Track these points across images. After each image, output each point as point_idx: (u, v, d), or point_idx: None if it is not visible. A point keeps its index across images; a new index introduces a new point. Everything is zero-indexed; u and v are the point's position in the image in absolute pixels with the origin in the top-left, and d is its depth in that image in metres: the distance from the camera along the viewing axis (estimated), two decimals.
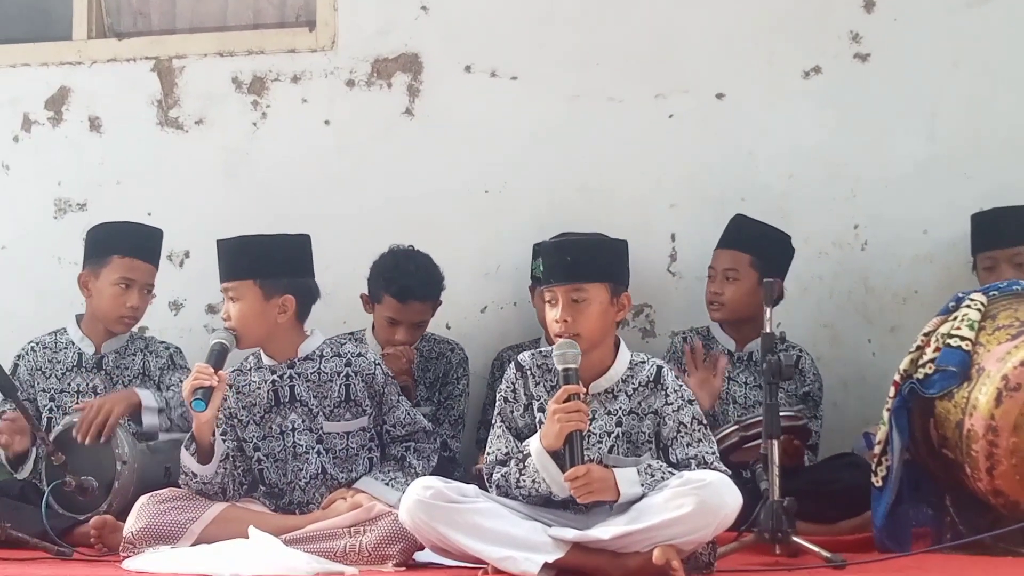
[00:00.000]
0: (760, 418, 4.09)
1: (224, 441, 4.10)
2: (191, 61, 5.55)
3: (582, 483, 3.53)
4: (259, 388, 4.19)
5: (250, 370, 4.22)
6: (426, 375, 5.01)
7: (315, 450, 4.15)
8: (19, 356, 4.89)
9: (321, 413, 4.16)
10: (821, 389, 4.86)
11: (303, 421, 4.16)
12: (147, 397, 4.62)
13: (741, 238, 4.88)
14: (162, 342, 4.99)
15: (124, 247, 4.78)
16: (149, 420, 4.60)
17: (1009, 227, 4.79)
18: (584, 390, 3.63)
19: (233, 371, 4.21)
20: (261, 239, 4.26)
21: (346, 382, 4.20)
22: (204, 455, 4.02)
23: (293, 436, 4.15)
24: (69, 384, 4.83)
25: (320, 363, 4.20)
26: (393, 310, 4.83)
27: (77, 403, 4.67)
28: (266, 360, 4.21)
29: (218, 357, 4.04)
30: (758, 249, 4.84)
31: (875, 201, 5.10)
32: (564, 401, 3.56)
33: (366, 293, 4.96)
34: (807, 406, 4.75)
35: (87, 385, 4.78)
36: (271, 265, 4.19)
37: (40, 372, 4.85)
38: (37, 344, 4.91)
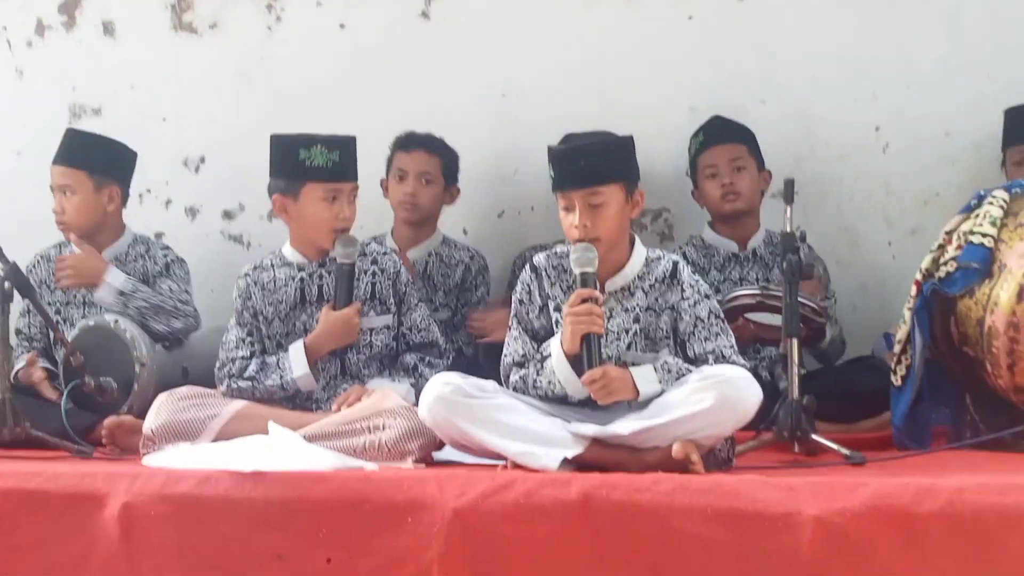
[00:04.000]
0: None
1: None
2: None
3: (601, 384, 3.52)
4: (285, 285, 4.19)
5: (272, 267, 4.23)
6: (445, 281, 5.02)
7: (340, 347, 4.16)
8: (28, 269, 4.87)
9: None
10: (826, 271, 4.85)
11: None
12: (115, 277, 4.67)
13: (731, 132, 4.90)
14: (164, 248, 4.94)
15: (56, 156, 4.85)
16: (101, 295, 4.66)
17: None
18: (598, 294, 3.61)
19: (255, 268, 4.22)
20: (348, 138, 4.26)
21: (372, 280, 4.22)
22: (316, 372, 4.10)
23: None
24: (74, 296, 4.84)
25: None
26: (400, 161, 4.98)
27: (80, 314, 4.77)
28: (294, 257, 4.21)
29: (352, 278, 4.12)
30: (749, 139, 4.89)
31: (897, 103, 5.04)
32: (579, 305, 3.56)
33: (384, 177, 5.04)
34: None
35: (91, 296, 4.76)
36: None
37: (46, 285, 4.86)
38: (42, 257, 4.93)
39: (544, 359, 3.67)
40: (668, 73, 5.19)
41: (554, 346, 3.64)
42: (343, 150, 4.14)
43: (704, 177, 4.90)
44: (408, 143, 5.00)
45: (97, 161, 4.79)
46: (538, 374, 3.67)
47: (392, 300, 4.23)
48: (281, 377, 4.08)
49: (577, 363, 3.58)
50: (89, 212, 4.79)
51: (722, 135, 4.89)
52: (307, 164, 4.11)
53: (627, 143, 3.81)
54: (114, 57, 5.54)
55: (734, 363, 3.60)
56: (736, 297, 4.42)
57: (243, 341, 4.17)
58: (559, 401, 3.68)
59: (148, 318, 4.63)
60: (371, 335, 4.20)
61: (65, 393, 4.23)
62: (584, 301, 3.56)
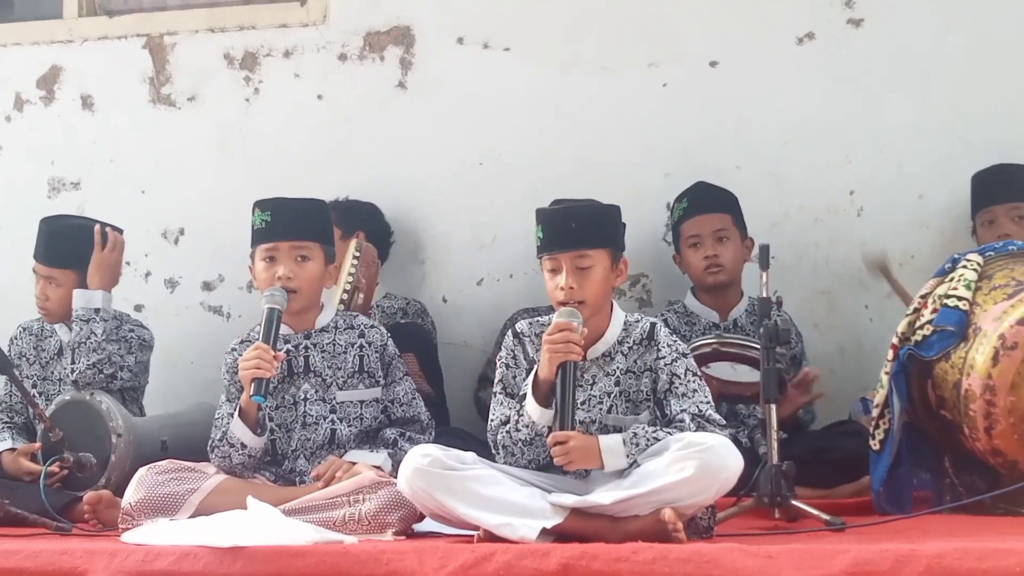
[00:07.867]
0: (740, 340, 4.28)
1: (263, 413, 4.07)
2: (182, 38, 5.54)
3: (562, 450, 3.52)
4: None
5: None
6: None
7: (328, 420, 4.15)
8: (11, 339, 4.90)
9: (335, 384, 4.17)
10: (801, 340, 4.88)
11: (316, 392, 4.16)
12: (102, 298, 4.65)
13: (717, 201, 4.89)
14: (135, 324, 4.88)
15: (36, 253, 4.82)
16: (80, 302, 4.62)
17: (1009, 183, 4.83)
18: (576, 324, 3.59)
19: (242, 342, 4.21)
20: (321, 202, 4.28)
21: (360, 353, 4.22)
22: (255, 426, 4.01)
23: (304, 406, 4.14)
24: (52, 372, 4.83)
25: (335, 335, 4.22)
26: None
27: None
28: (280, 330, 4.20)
29: (278, 322, 4.01)
30: (733, 207, 4.90)
31: (870, 166, 5.10)
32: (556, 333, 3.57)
33: None
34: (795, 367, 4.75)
35: (66, 373, 4.73)
36: (329, 230, 4.27)
37: (25, 359, 4.84)
38: (24, 330, 4.92)
39: (523, 398, 3.67)
40: (643, 139, 5.24)
41: (529, 381, 3.65)
42: (275, 211, 4.14)
43: (687, 246, 4.90)
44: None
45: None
46: (519, 416, 3.67)
47: (380, 372, 4.23)
48: (227, 434, 4.03)
49: (552, 393, 3.58)
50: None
51: (708, 204, 4.88)
52: (254, 227, 4.18)
53: (615, 211, 3.86)
54: (92, 131, 5.59)
55: (711, 419, 3.62)
56: (695, 348, 4.41)
57: (232, 416, 4.13)
58: (540, 467, 3.67)
59: (97, 334, 4.60)
60: (361, 408, 4.20)
61: (44, 470, 4.21)
62: (562, 331, 3.58)
